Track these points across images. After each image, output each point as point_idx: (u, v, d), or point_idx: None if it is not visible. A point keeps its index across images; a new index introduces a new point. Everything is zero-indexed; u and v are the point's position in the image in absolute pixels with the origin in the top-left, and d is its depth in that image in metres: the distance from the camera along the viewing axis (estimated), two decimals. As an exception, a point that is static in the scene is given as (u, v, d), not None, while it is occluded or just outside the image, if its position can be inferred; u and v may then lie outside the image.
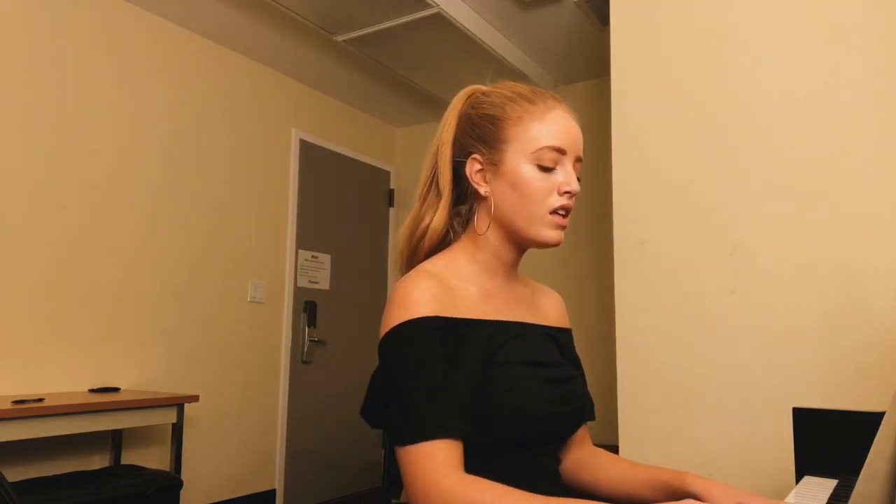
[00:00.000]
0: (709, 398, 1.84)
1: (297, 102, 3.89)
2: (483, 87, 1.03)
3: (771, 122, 1.84)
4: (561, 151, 0.94)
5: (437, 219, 0.98)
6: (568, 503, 0.77)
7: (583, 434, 1.10)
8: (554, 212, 0.94)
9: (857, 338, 1.66)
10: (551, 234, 0.95)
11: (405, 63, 3.55)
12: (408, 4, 2.85)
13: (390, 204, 4.56)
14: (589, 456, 1.08)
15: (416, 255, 1.01)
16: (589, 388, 1.08)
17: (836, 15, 1.78)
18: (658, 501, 0.95)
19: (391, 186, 4.58)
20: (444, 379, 0.85)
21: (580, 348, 1.14)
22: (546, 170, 0.93)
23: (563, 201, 0.94)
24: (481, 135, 0.97)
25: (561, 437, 1.01)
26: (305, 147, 3.91)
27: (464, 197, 1.01)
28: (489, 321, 0.94)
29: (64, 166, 2.72)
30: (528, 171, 0.93)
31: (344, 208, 4.18)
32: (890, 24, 1.70)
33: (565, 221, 0.95)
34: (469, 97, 1.03)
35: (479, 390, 0.87)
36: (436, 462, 0.80)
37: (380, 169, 4.49)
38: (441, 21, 2.94)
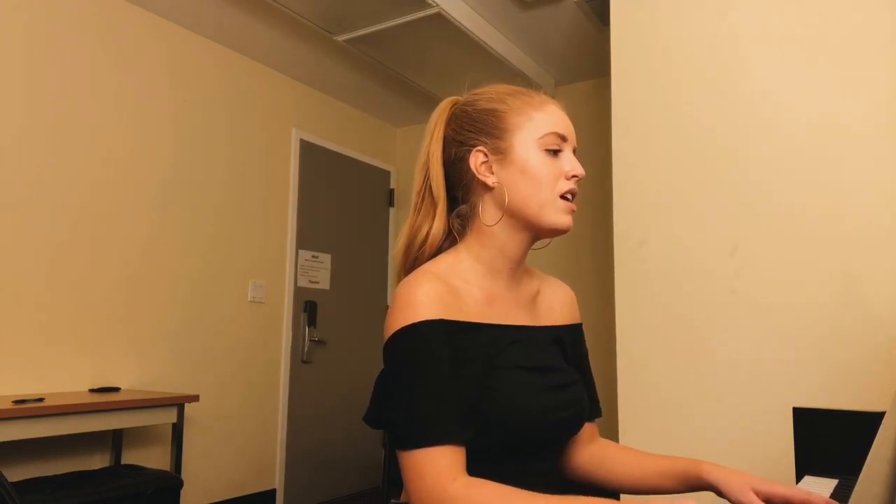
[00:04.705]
0: (709, 398, 1.84)
1: (298, 102, 3.89)
2: (463, 97, 1.05)
3: (771, 122, 1.84)
4: (563, 138, 0.97)
5: (436, 225, 0.99)
6: (571, 500, 0.77)
7: (590, 431, 1.09)
8: (563, 196, 0.95)
9: (857, 338, 1.66)
10: (563, 219, 0.96)
11: (405, 63, 3.55)
12: (408, 4, 2.85)
13: (390, 204, 4.57)
14: (598, 451, 1.08)
15: (415, 264, 0.99)
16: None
17: (836, 16, 1.78)
18: (677, 491, 0.97)
19: (391, 186, 4.58)
20: (448, 383, 0.85)
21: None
22: (553, 154, 0.96)
23: (571, 185, 0.96)
24: (483, 127, 0.98)
25: (558, 442, 1.01)
26: (305, 147, 3.91)
27: (464, 196, 1.01)
28: (491, 325, 0.94)
29: (66, 166, 2.72)
30: (537, 157, 0.95)
31: (344, 208, 4.18)
32: (890, 25, 1.70)
33: (574, 205, 0.97)
34: (452, 106, 1.05)
35: (478, 394, 0.87)
36: (441, 467, 0.80)
37: (380, 169, 4.49)
38: (441, 21, 2.94)
